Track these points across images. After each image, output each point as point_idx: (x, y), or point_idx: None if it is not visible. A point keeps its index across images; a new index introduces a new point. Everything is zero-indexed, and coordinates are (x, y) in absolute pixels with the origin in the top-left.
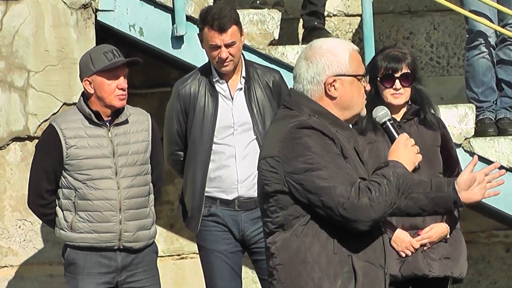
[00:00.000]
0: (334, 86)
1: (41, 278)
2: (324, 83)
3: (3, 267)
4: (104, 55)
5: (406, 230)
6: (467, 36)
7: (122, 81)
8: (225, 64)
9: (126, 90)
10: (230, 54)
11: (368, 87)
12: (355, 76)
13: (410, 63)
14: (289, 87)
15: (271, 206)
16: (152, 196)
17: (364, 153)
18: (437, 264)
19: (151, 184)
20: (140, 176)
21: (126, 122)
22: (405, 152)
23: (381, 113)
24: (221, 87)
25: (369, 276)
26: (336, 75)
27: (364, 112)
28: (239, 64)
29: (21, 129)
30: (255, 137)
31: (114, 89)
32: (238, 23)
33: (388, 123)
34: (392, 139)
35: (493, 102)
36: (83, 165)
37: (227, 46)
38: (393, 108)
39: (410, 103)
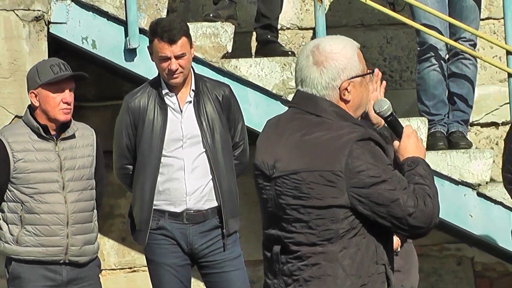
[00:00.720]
0: (347, 90)
1: None
2: (339, 88)
3: None
4: (50, 68)
5: None
6: (418, 49)
7: (67, 95)
8: (174, 76)
9: (72, 104)
10: (180, 66)
11: (369, 81)
12: (364, 75)
13: None
14: (237, 100)
15: (318, 219)
16: (95, 211)
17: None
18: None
19: (95, 199)
20: (86, 190)
21: (73, 136)
22: (418, 145)
23: (385, 107)
24: (170, 100)
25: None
26: (350, 78)
27: (367, 108)
28: (188, 77)
29: None
30: (204, 150)
31: (59, 103)
32: (188, 35)
33: (392, 117)
34: (398, 132)
35: (445, 116)
36: (30, 179)
37: (177, 57)
38: None
39: None
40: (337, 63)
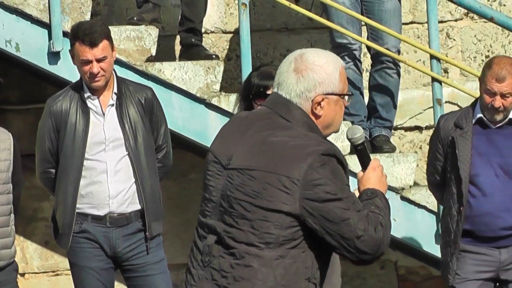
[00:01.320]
0: (320, 104)
1: None
2: (312, 101)
3: None
4: None
5: None
6: (331, 48)
7: None
8: (96, 79)
9: None
10: (101, 69)
11: (347, 104)
12: (342, 95)
13: None
14: (160, 103)
15: (263, 220)
16: (13, 216)
17: None
18: None
19: (12, 203)
20: (3, 195)
21: None
22: (381, 179)
23: (358, 134)
24: (92, 103)
25: None
26: (325, 94)
27: (339, 130)
28: (110, 80)
29: None
30: (126, 153)
31: None
32: (109, 38)
33: (362, 146)
34: (364, 163)
35: (364, 117)
36: None
37: (98, 61)
38: None
39: None
40: (315, 75)
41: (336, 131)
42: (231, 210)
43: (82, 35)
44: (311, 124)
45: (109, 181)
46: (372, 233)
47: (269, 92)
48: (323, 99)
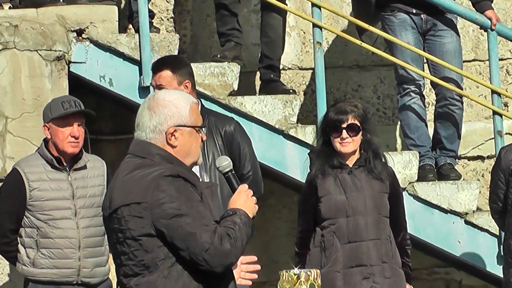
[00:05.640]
0: (174, 135)
1: None
2: (166, 132)
3: None
4: (61, 104)
5: (353, 267)
6: (397, 84)
7: (75, 129)
8: None
9: (80, 138)
10: None
11: (204, 138)
12: (193, 127)
13: (358, 115)
14: (245, 134)
15: (135, 250)
16: (106, 236)
17: (208, 198)
18: None
19: None
20: (97, 217)
21: (84, 167)
22: (247, 201)
23: (224, 163)
24: None
25: None
26: (177, 126)
27: (200, 161)
28: None
29: None
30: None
31: (67, 136)
32: (174, 71)
33: (230, 174)
34: (233, 188)
35: (430, 148)
36: (45, 206)
37: (157, 87)
38: (343, 155)
39: (362, 151)
40: (166, 109)
41: (196, 162)
42: (116, 251)
43: (152, 64)
44: (166, 156)
45: None
46: (218, 246)
47: (343, 125)
48: (175, 130)
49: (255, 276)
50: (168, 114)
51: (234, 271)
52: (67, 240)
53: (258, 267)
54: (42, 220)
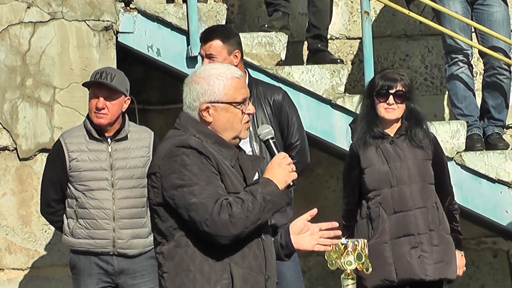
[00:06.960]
0: (208, 112)
1: (64, 279)
2: (199, 109)
3: (31, 268)
4: (95, 75)
5: (400, 237)
6: (444, 54)
7: (100, 102)
8: None
9: (107, 110)
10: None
11: (252, 110)
12: (229, 103)
13: (405, 84)
14: (293, 103)
15: (155, 218)
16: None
17: (248, 170)
18: (432, 268)
19: None
20: (137, 188)
21: (125, 138)
22: (279, 170)
23: (264, 131)
24: None
25: (248, 282)
26: (209, 102)
27: (244, 135)
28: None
29: (47, 141)
30: (250, 149)
31: (93, 108)
32: (224, 40)
33: (270, 141)
34: (272, 156)
35: (477, 117)
36: (82, 177)
37: (207, 57)
38: (386, 123)
39: (404, 120)
40: (198, 86)
41: (239, 136)
42: (151, 220)
43: (201, 34)
44: (201, 129)
45: None
46: (215, 216)
47: (391, 91)
48: (208, 107)
49: (335, 241)
50: (200, 92)
51: (310, 236)
52: (101, 210)
53: (338, 232)
54: (80, 191)
